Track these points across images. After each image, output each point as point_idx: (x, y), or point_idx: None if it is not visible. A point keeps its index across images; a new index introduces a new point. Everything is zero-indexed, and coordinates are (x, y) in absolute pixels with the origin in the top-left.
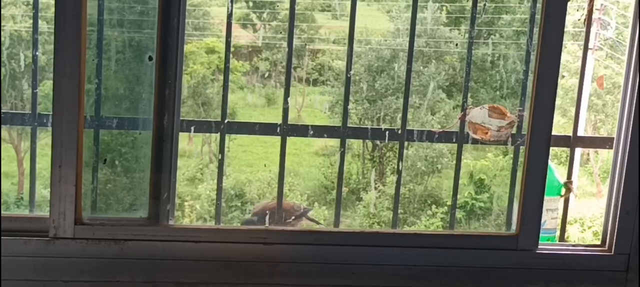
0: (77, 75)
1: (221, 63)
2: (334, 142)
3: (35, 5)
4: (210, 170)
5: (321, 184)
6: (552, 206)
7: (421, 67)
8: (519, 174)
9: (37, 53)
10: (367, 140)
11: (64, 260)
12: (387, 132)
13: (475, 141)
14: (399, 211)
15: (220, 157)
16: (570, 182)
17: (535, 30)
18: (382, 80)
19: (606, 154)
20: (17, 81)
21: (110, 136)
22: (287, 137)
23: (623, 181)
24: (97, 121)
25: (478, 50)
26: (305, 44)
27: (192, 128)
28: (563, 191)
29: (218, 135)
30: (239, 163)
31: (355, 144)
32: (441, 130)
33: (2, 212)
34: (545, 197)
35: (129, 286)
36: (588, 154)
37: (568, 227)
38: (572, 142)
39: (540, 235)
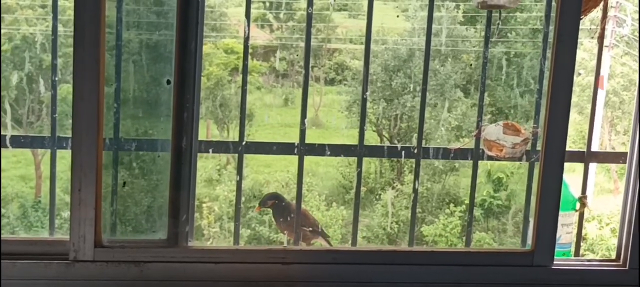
0: (96, 100)
1: (239, 62)
2: (351, 141)
3: (54, 31)
4: (228, 171)
5: (339, 183)
6: (567, 220)
7: (438, 66)
8: (534, 190)
9: (55, 78)
10: (385, 139)
11: (84, 283)
12: (403, 151)
13: (490, 158)
14: (418, 210)
15: (238, 179)
16: (585, 197)
17: (548, 51)
18: (399, 79)
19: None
20: (34, 84)
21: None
22: (305, 155)
23: (637, 196)
24: (116, 144)
25: (494, 49)
26: (323, 44)
27: (210, 149)
28: (578, 205)
29: (236, 136)
30: (257, 163)
31: (372, 142)
32: (456, 148)
33: (21, 233)
34: (560, 213)
35: None
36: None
37: (586, 224)
38: (586, 157)
39: (556, 250)
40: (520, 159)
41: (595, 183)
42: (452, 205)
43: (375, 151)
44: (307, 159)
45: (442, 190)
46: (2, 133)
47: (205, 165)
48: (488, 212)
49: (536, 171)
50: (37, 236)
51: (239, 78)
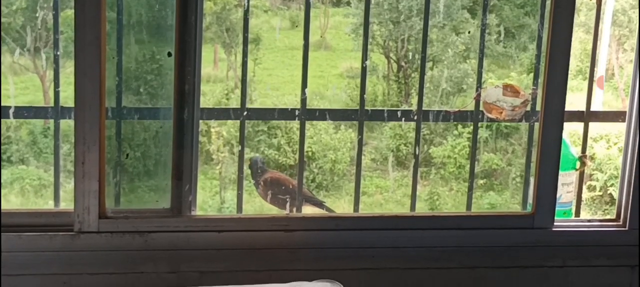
0: (98, 74)
1: None
2: (359, 64)
3: (56, 7)
4: (235, 95)
5: (347, 105)
6: (567, 180)
7: None
8: (534, 152)
9: (58, 53)
10: (392, 61)
11: (89, 253)
12: (403, 117)
13: (490, 120)
14: (426, 132)
15: (240, 148)
16: (585, 157)
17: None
18: (406, 2)
19: (630, 70)
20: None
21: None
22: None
23: (636, 156)
24: (119, 114)
25: None
26: None
27: (213, 119)
28: (578, 165)
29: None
30: (264, 87)
31: (380, 65)
32: (456, 110)
33: (28, 206)
34: (561, 172)
35: (153, 276)
36: (613, 70)
37: (593, 144)
38: (585, 117)
39: (556, 209)
40: (520, 121)
41: (603, 102)
42: (460, 126)
43: (375, 115)
44: (315, 82)
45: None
46: (6, 104)
47: (213, 89)
48: (497, 132)
49: (536, 132)
50: (42, 208)
51: (245, 2)
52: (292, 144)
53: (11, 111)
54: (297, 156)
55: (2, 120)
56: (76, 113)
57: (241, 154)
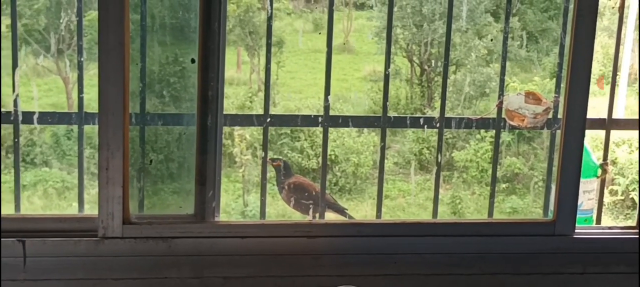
0: (122, 80)
1: None
2: (382, 67)
3: (79, 12)
4: (259, 98)
5: (370, 109)
6: (588, 187)
7: None
8: (556, 159)
9: (82, 59)
10: (415, 65)
11: (113, 259)
12: (425, 124)
13: (512, 128)
14: (448, 136)
15: (263, 155)
16: (606, 164)
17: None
18: (429, 5)
19: None
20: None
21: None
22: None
23: None
24: (142, 120)
25: None
26: None
27: (236, 125)
28: (599, 172)
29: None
30: (288, 90)
31: (403, 69)
32: (479, 117)
33: (51, 208)
34: (582, 180)
35: (177, 282)
36: (636, 74)
37: (615, 148)
38: (607, 124)
39: (577, 216)
40: (542, 128)
41: (625, 106)
42: (483, 130)
43: (398, 122)
44: (338, 85)
45: (473, 115)
46: (29, 110)
47: (237, 92)
48: (519, 136)
49: (557, 140)
50: (66, 214)
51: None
52: (315, 147)
53: (35, 117)
54: (319, 160)
55: (25, 124)
56: (100, 119)
57: (264, 160)
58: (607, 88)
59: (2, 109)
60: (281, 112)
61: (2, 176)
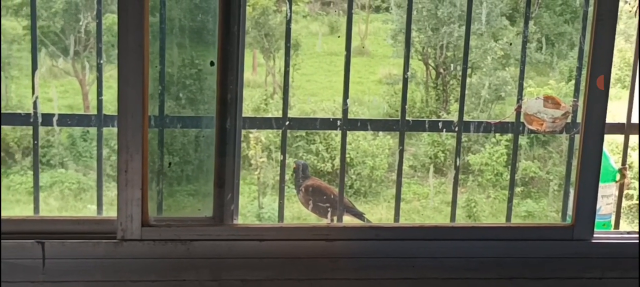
0: (141, 83)
1: None
2: (397, 71)
3: (98, 16)
4: (274, 101)
5: (386, 113)
6: (607, 192)
7: None
8: (575, 164)
9: (101, 61)
10: (430, 68)
11: (132, 261)
12: (443, 128)
13: (531, 132)
14: (464, 140)
15: (281, 158)
16: (625, 168)
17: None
18: (445, 8)
19: None
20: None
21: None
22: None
23: None
24: (161, 123)
25: None
26: None
27: (255, 128)
28: (618, 176)
29: (281, 64)
30: (304, 93)
31: (418, 72)
32: (497, 121)
33: (68, 210)
34: (601, 184)
35: (196, 284)
36: None
37: (631, 152)
38: (626, 129)
39: (596, 221)
40: (560, 132)
41: None
42: (498, 134)
43: (416, 126)
44: (354, 88)
45: (488, 118)
46: (48, 112)
47: (252, 94)
48: (535, 140)
49: (576, 144)
50: (84, 216)
51: (284, 8)
52: (330, 150)
53: (55, 119)
54: (334, 162)
55: (44, 126)
56: (119, 121)
57: (283, 163)
58: (607, 88)
59: (21, 111)
60: (296, 115)
61: (19, 177)
